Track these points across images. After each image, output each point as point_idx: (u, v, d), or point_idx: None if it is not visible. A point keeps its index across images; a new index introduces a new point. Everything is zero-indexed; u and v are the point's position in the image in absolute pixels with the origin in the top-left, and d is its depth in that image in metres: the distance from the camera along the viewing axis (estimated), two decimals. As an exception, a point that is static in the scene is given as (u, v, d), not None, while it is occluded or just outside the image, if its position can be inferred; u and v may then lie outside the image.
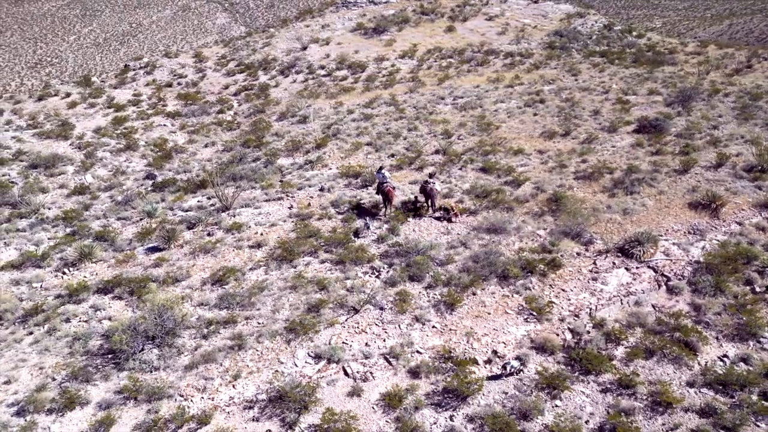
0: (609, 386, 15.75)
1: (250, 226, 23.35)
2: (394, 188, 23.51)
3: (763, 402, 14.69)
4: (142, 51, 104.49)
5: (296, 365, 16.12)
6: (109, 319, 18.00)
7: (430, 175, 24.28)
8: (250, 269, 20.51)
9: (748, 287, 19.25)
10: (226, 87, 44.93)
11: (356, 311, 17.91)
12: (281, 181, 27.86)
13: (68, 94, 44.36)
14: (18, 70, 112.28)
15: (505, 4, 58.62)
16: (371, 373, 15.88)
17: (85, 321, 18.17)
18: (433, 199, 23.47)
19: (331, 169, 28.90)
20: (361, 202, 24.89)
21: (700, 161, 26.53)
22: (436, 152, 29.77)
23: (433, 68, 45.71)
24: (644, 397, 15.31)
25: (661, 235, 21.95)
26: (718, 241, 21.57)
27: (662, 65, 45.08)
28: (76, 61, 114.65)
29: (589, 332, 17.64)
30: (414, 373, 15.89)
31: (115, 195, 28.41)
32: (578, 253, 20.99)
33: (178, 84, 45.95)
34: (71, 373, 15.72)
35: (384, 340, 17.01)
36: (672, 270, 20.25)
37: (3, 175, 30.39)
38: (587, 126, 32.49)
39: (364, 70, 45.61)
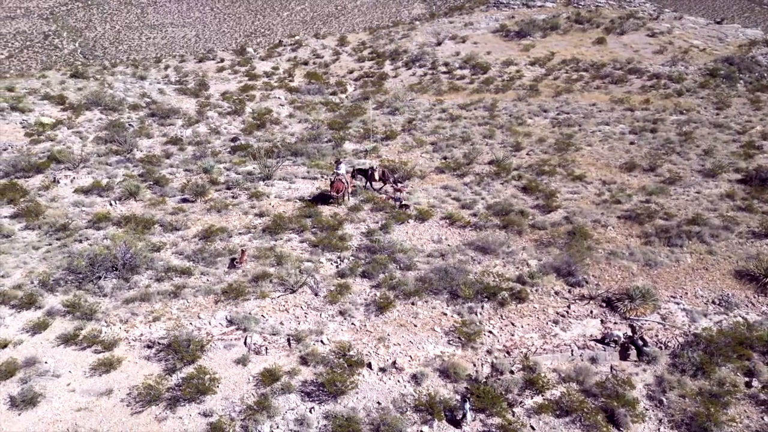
0: (493, 430, 14.56)
1: (268, 197, 24.98)
2: (342, 182, 24.29)
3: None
4: (339, 32, 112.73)
5: (210, 323, 17.35)
6: (107, 248, 20.81)
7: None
8: (239, 233, 22.11)
9: (745, 378, 16.24)
10: (351, 71, 47.20)
11: (292, 291, 18.54)
12: (331, 163, 29.06)
13: (222, 60, 50.18)
14: (236, 37, 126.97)
15: (678, 21, 52.71)
16: (266, 348, 16.50)
17: (90, 245, 21.25)
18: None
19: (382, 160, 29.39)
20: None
21: (794, 229, 22.28)
22: (490, 162, 28.61)
23: (559, 79, 43.20)
24: (521, 454, 13.95)
25: (674, 296, 19.08)
26: (744, 319, 18.19)
27: None
28: (282, 35, 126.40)
29: (513, 372, 16.28)
30: (304, 360, 16.18)
31: (197, 150, 31.98)
32: (557, 292, 19.13)
33: (314, 63, 49.36)
34: (42, 281, 18.73)
35: (299, 323, 17.46)
36: (657, 335, 17.61)
37: (127, 118, 35.89)
38: (683, 165, 28.67)
39: (486, 72, 44.68)
